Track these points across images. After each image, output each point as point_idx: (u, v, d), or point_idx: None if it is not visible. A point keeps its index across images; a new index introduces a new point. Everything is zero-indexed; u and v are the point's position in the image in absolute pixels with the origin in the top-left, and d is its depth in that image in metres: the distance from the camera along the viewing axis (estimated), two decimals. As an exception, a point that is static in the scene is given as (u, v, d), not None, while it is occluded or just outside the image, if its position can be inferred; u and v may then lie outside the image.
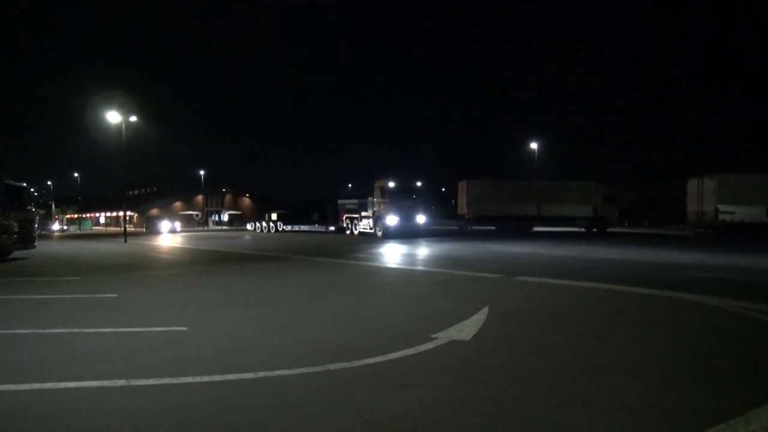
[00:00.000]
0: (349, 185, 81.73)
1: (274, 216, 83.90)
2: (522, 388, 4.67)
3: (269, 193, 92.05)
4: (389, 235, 30.08)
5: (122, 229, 39.80)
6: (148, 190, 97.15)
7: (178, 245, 28.97)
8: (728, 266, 14.32)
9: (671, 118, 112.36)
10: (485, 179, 39.59)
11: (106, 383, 4.78)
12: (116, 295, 10.17)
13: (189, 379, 4.88)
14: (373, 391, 4.59)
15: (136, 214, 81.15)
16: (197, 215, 78.49)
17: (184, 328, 7.12)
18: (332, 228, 38.74)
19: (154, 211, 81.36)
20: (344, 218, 36.46)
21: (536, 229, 39.98)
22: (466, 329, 6.82)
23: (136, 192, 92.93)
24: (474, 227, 39.04)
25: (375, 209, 32.03)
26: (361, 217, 34.21)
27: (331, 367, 5.22)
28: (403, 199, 30.66)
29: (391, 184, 31.14)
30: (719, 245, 23.10)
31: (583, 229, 38.48)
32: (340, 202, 38.65)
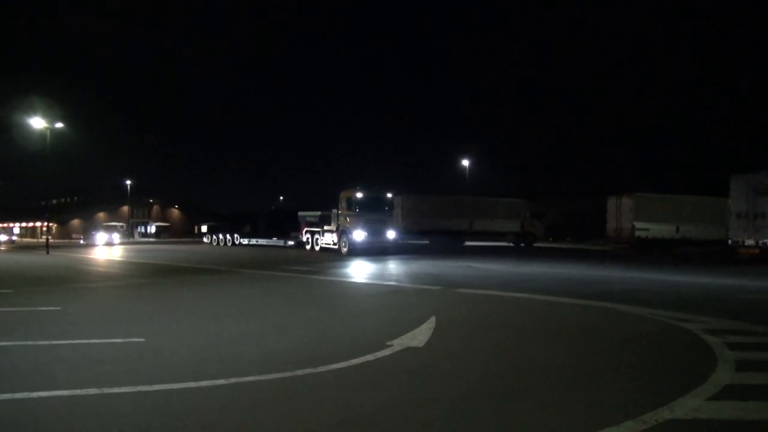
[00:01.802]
0: (281, 197, 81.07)
1: (204, 228, 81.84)
2: (473, 386, 5.20)
3: (200, 205, 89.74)
4: (356, 251, 27.18)
5: (40, 240, 38.05)
6: (68, 199, 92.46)
7: (109, 258, 27.98)
8: (645, 279, 15.61)
9: (590, 139, 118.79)
10: (420, 194, 40.57)
11: (79, 392, 4.90)
12: (59, 308, 9.98)
13: (163, 386, 5.08)
14: (342, 393, 4.97)
15: (56, 225, 77.09)
16: (122, 226, 75.48)
17: (142, 339, 7.21)
18: (291, 242, 35.72)
19: (76, 222, 77.61)
20: (304, 232, 33.40)
21: (467, 243, 41.32)
22: (418, 337, 7.30)
23: (55, 202, 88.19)
24: (408, 240, 39.84)
25: (340, 222, 28.72)
26: (324, 231, 31.14)
27: (299, 372, 5.55)
28: (373, 212, 27.65)
29: (360, 195, 27.67)
30: (636, 260, 24.95)
31: (511, 244, 40.08)
32: (300, 214, 35.62)
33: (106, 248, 40.13)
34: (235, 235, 40.81)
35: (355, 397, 4.88)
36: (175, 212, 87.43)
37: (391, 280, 15.02)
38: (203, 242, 46.26)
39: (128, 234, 74.70)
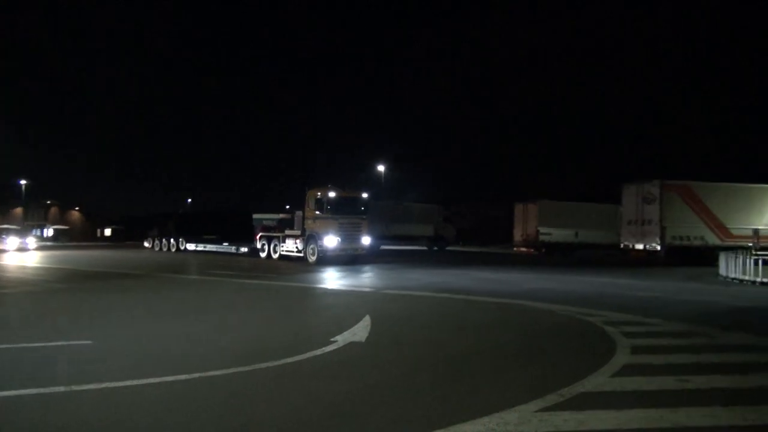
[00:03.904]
0: (188, 200, 78.57)
1: (107, 232, 77.69)
2: (415, 372, 5.95)
3: (104, 208, 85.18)
4: (325, 259, 23.67)
5: None
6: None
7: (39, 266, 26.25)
8: (552, 279, 17.12)
9: (501, 146, 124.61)
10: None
11: (45, 390, 5.07)
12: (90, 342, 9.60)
13: (131, 382, 5.36)
14: (303, 382, 5.51)
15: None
16: (17, 229, 70.21)
17: (89, 342, 7.31)
18: (244, 249, 31.02)
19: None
20: (259, 237, 28.76)
21: (383, 247, 42.39)
22: (358, 333, 7.92)
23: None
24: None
25: (306, 226, 24.68)
26: (285, 237, 26.70)
27: (258, 366, 6.00)
28: (347, 214, 24.04)
29: (332, 194, 23.88)
30: (541, 262, 26.94)
31: (425, 248, 41.58)
32: (255, 217, 31.93)
33: (19, 254, 32.82)
34: (180, 240, 36.38)
35: (315, 385, 5.42)
36: (75, 215, 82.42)
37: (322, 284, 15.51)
38: (144, 247, 40.53)
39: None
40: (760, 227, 24.64)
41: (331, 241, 23.23)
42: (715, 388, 5.30)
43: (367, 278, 17.05)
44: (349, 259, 24.21)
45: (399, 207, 41.97)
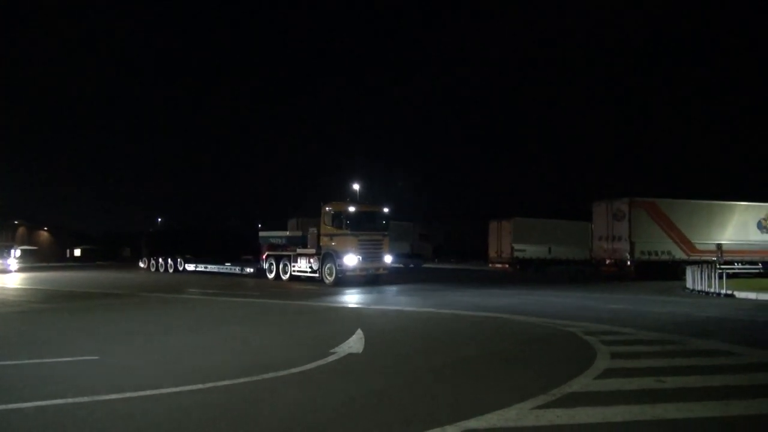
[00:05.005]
0: (159, 219, 77.69)
1: (77, 252, 76.10)
2: (412, 378, 6.43)
3: (73, 227, 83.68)
4: (344, 280, 21.89)
5: None
6: None
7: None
8: (530, 294, 17.78)
9: (472, 165, 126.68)
10: (310, 218, 41.42)
11: (70, 400, 5.38)
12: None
13: (148, 392, 5.66)
14: (312, 390, 5.90)
15: None
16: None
17: (96, 357, 7.57)
18: (249, 270, 28.65)
19: None
20: (266, 257, 26.42)
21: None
22: (354, 345, 8.33)
23: None
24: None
25: (323, 244, 22.70)
26: (297, 256, 24.34)
27: (266, 376, 6.37)
28: (368, 230, 22.19)
29: (352, 209, 22.18)
30: (517, 278, 27.69)
31: (401, 265, 42.08)
32: (261, 235, 28.60)
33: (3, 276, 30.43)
34: (179, 260, 34.23)
35: (323, 391, 5.82)
36: (44, 235, 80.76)
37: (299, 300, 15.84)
38: (140, 267, 38.05)
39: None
40: (723, 242, 25.86)
41: (351, 260, 21.34)
42: (688, 387, 5.87)
43: (413, 300, 17.43)
44: (370, 280, 22.55)
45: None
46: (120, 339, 9.32)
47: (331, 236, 22.17)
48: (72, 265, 54.63)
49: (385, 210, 23.38)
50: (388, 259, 22.88)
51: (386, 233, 22.89)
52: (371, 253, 21.93)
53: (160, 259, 35.19)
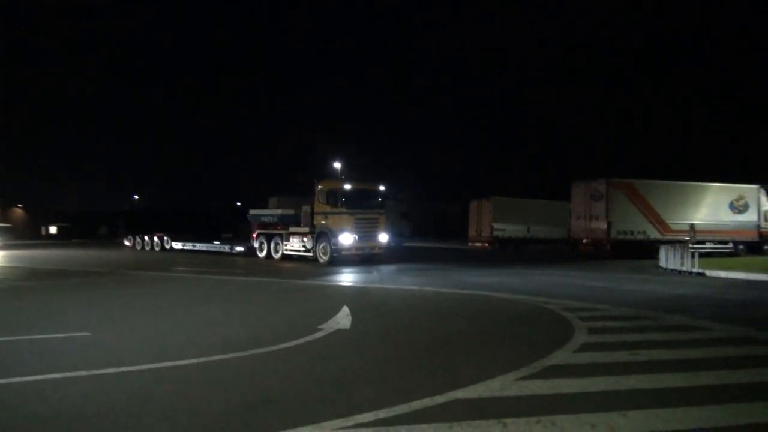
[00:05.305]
0: (135, 197, 76.74)
1: (53, 230, 74.96)
2: (399, 352, 6.68)
3: (49, 204, 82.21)
4: (339, 259, 21.83)
5: None
6: None
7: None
8: (512, 273, 18.19)
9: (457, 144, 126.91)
10: (292, 196, 41.42)
11: (68, 374, 5.53)
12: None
13: (152, 366, 5.84)
14: (304, 363, 6.13)
15: None
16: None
17: (88, 333, 7.69)
18: (239, 248, 28.01)
19: None
20: (256, 235, 26.02)
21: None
22: (342, 321, 8.57)
23: None
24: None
25: (317, 222, 22.27)
26: (290, 234, 24.05)
27: (258, 351, 6.58)
28: (364, 209, 21.85)
29: (348, 187, 21.70)
30: (497, 257, 28.19)
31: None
32: (251, 213, 27.96)
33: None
34: (165, 238, 33.32)
35: (315, 365, 6.04)
36: (18, 212, 79.29)
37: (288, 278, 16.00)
38: (124, 245, 35.74)
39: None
40: (696, 222, 26.55)
41: (346, 238, 21.01)
42: (660, 359, 6.22)
43: (413, 280, 17.65)
44: (365, 259, 22.50)
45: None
46: (110, 316, 9.44)
47: (326, 214, 21.75)
48: (48, 243, 53.89)
49: (381, 187, 22.85)
50: (383, 237, 22.42)
51: (382, 211, 22.56)
52: (367, 232, 21.63)
53: (146, 237, 34.43)
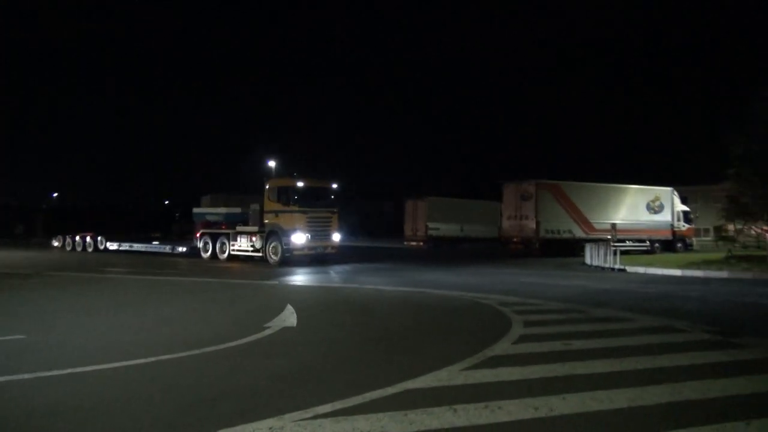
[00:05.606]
0: (55, 194, 72.86)
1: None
2: (349, 348, 6.91)
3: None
4: (291, 259, 21.05)
5: None
6: None
7: None
8: (446, 270, 18.73)
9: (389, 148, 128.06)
10: (233, 194, 40.71)
11: (12, 377, 5.37)
12: None
13: (100, 366, 5.74)
14: (255, 360, 6.21)
15: None
16: None
17: (23, 336, 7.40)
18: (181, 249, 26.43)
19: None
20: (200, 236, 24.72)
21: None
22: (288, 319, 8.67)
23: None
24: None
25: (268, 221, 21.49)
26: (237, 234, 23.04)
27: (207, 349, 6.59)
28: (317, 207, 21.35)
29: (300, 184, 20.94)
30: (432, 255, 28.86)
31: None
32: (195, 211, 27.14)
33: None
34: (99, 238, 30.93)
35: (266, 362, 6.14)
36: None
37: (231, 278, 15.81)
38: (53, 246, 33.77)
39: None
40: (617, 222, 28.16)
41: (299, 238, 20.37)
42: (592, 348, 6.73)
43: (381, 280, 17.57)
44: (318, 259, 21.87)
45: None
46: (43, 319, 9.08)
47: (277, 213, 21.10)
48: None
49: (335, 185, 22.45)
50: (337, 237, 22.10)
51: (335, 210, 22.13)
52: (320, 231, 21.18)
53: (77, 237, 31.80)
